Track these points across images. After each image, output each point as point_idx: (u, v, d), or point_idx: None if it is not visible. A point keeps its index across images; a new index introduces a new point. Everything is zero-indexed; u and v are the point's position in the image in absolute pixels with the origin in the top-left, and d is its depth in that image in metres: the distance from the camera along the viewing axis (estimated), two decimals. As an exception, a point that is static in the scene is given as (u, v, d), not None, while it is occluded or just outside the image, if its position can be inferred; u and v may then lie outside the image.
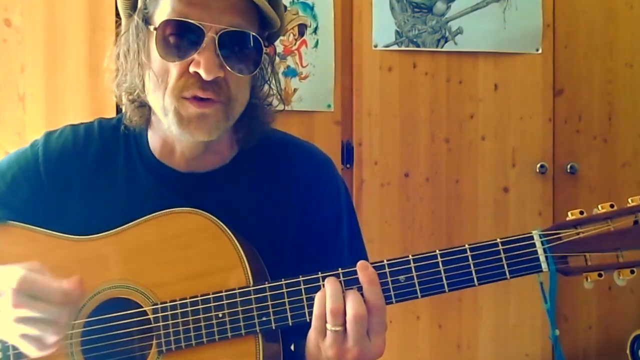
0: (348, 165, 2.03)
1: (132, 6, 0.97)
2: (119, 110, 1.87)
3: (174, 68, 0.91)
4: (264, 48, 0.94)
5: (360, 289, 0.86)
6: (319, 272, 0.89)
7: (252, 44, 0.93)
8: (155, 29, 0.91)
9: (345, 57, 2.02)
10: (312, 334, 0.87)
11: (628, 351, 2.08)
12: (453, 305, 2.07)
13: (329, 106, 2.00)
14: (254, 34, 0.92)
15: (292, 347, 1.12)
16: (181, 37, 0.90)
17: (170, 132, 0.98)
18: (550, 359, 2.11)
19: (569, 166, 2.12)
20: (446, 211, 2.07)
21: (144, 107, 1.01)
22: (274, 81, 1.06)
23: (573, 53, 2.13)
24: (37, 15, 1.87)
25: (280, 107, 1.09)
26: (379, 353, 0.87)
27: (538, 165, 2.09)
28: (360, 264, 0.87)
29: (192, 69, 0.90)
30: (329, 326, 0.85)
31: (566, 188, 2.12)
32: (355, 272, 0.87)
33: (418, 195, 2.06)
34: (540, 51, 2.09)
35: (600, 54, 2.14)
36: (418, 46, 2.04)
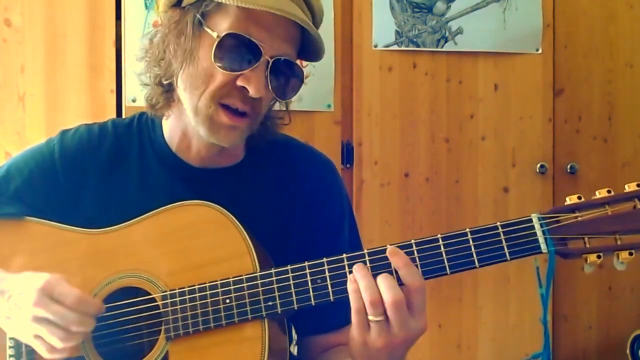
0: (348, 165, 2.03)
1: None
2: (119, 110, 1.88)
3: (222, 76, 0.94)
4: (304, 79, 1.00)
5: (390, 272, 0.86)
6: (324, 258, 0.91)
7: (297, 75, 0.99)
8: (218, 36, 0.93)
9: (345, 57, 2.02)
10: (355, 332, 0.86)
11: (628, 351, 2.08)
12: (453, 305, 2.07)
13: (329, 106, 2.00)
14: (300, 66, 0.98)
15: (295, 350, 1.13)
16: (239, 50, 0.93)
17: (192, 128, 1.02)
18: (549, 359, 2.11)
19: (569, 166, 2.12)
20: (446, 211, 2.07)
21: (169, 93, 1.03)
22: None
23: (573, 53, 2.13)
24: (37, 15, 1.87)
25: (287, 120, 1.13)
26: (423, 329, 0.87)
27: (538, 165, 2.09)
28: (391, 249, 0.88)
29: (240, 83, 0.93)
30: (371, 317, 0.84)
31: (566, 188, 2.12)
32: (362, 256, 0.89)
33: (418, 195, 2.06)
34: (540, 51, 2.09)
35: (600, 54, 2.14)
36: (418, 46, 2.04)
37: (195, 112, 0.97)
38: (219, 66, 0.93)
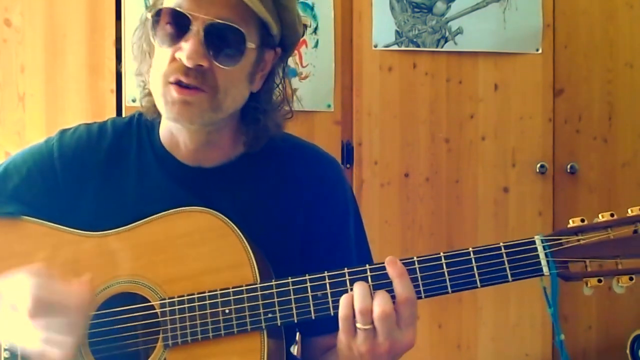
0: (348, 165, 2.03)
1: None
2: (119, 110, 1.88)
3: (166, 54, 0.95)
4: (247, 43, 0.95)
5: (390, 290, 0.87)
6: (325, 272, 0.91)
7: (236, 38, 0.95)
8: (152, 16, 0.95)
9: (345, 57, 2.02)
10: (341, 336, 0.89)
11: (628, 351, 2.08)
12: (453, 305, 2.07)
13: (329, 106, 2.00)
14: (238, 28, 0.94)
15: (295, 350, 1.13)
16: (172, 25, 0.94)
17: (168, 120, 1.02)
18: (550, 359, 2.11)
19: (569, 166, 2.12)
20: (446, 211, 2.07)
21: (152, 96, 1.03)
22: (280, 87, 1.09)
23: (573, 53, 2.13)
24: (37, 15, 1.87)
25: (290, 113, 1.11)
26: (410, 344, 0.88)
27: (538, 165, 2.09)
28: (389, 259, 0.89)
29: (177, 55, 0.94)
30: (359, 325, 0.86)
31: (566, 188, 2.12)
32: (364, 272, 0.89)
33: (418, 195, 2.06)
34: (540, 51, 2.09)
35: (600, 54, 2.14)
36: (418, 46, 2.04)
37: (157, 99, 0.98)
38: (159, 45, 0.96)
